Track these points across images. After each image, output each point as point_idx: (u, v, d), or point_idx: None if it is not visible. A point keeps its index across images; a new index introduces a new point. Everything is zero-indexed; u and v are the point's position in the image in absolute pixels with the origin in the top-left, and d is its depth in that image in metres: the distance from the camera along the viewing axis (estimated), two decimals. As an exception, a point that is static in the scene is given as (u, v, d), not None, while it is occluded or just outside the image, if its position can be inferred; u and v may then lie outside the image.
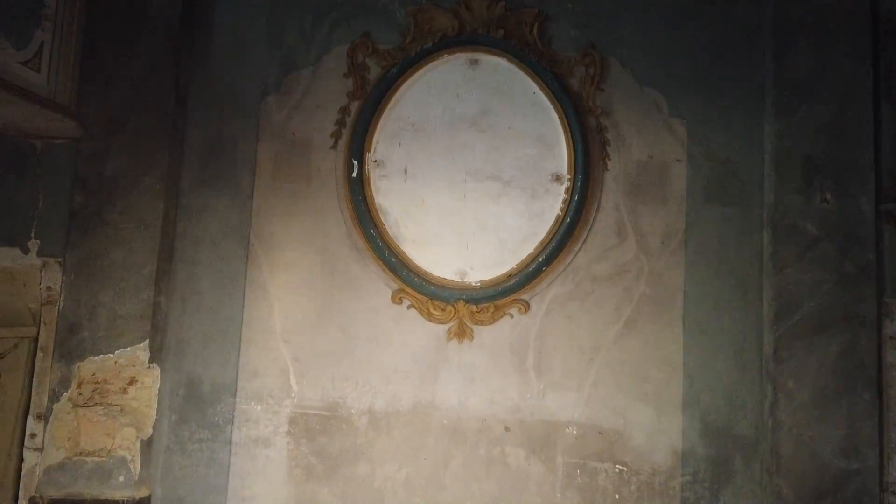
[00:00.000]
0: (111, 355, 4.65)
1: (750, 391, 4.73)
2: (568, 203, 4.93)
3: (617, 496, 4.73)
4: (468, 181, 5.05)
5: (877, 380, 4.39)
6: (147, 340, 4.67)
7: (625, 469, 4.75)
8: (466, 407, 4.88)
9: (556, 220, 4.94)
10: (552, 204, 4.99)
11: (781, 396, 4.47)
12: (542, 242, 4.96)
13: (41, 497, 4.44)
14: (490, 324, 4.95)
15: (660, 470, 4.74)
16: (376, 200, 5.05)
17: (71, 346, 4.63)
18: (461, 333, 4.94)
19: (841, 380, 4.41)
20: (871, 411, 4.35)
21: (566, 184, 4.96)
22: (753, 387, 4.73)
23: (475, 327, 4.95)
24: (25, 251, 4.74)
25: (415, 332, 4.97)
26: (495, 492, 4.79)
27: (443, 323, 4.96)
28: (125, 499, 4.51)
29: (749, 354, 4.77)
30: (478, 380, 4.91)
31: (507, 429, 4.85)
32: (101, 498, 4.50)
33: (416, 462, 4.84)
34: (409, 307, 4.98)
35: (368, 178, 5.04)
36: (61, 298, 4.67)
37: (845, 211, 4.56)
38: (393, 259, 4.96)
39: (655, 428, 4.77)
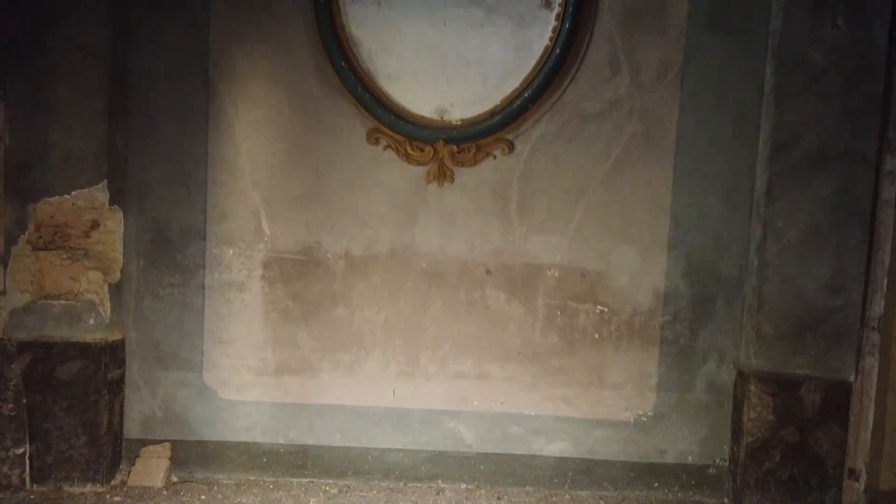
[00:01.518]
0: (68, 196, 4.36)
1: (738, 231, 4.60)
2: (558, 32, 4.50)
3: (596, 336, 4.72)
4: (448, 7, 4.57)
5: (869, 217, 4.25)
6: (105, 181, 4.38)
7: (605, 310, 4.71)
8: (446, 251, 4.73)
9: (545, 52, 4.54)
10: (540, 33, 4.56)
11: (770, 235, 4.34)
12: (528, 77, 4.58)
13: (9, 339, 4.32)
14: (472, 165, 4.68)
15: (641, 310, 4.70)
16: (347, 29, 4.58)
17: (23, 186, 4.33)
18: (441, 176, 4.68)
19: (833, 218, 4.27)
20: (861, 248, 4.25)
21: (556, 10, 4.51)
22: (742, 227, 4.59)
23: (456, 169, 4.68)
24: (-39, 84, 4.29)
25: (392, 174, 4.71)
26: (475, 333, 4.75)
27: (422, 164, 4.68)
28: (97, 341, 4.41)
29: (740, 194, 4.59)
30: (458, 223, 4.72)
31: (488, 272, 4.73)
32: (72, 340, 4.39)
33: (396, 305, 4.76)
34: (385, 148, 4.68)
35: (338, 3, 4.53)
36: (7, 134, 4.29)
37: (856, 38, 4.19)
38: (367, 95, 4.58)
39: (639, 269, 4.68)
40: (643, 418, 4.74)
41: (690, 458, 4.74)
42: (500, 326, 4.75)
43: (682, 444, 4.73)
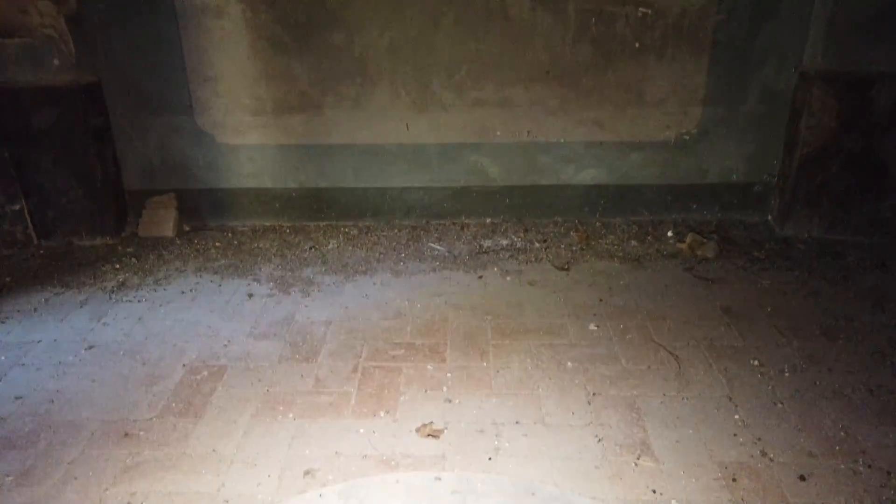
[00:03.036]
0: None
1: None
2: None
3: (637, 45, 4.06)
4: None
5: None
6: None
7: (649, 12, 3.98)
8: (456, -50, 3.90)
9: None
10: None
11: None
12: None
13: (-32, 87, 3.83)
14: None
15: (691, 9, 3.97)
16: None
17: None
18: None
19: None
20: None
21: None
22: None
23: None
24: None
25: None
26: (495, 51, 4.12)
27: None
28: (68, 84, 3.91)
29: None
30: (469, -88, 3.82)
31: (507, -26, 3.95)
32: (41, 85, 3.88)
33: (401, 24, 4.08)
34: None
35: None
36: None
37: None
38: None
39: (692, -42, 3.86)
40: (685, 136, 4.27)
41: (735, 176, 4.35)
42: (524, 41, 4.09)
43: (726, 161, 4.31)
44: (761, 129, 4.21)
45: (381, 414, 2.66)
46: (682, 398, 2.73)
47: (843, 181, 4.02)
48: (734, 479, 2.30)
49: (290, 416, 2.65)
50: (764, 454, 2.42)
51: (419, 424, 2.60)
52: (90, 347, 3.12)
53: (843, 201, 4.08)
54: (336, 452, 2.45)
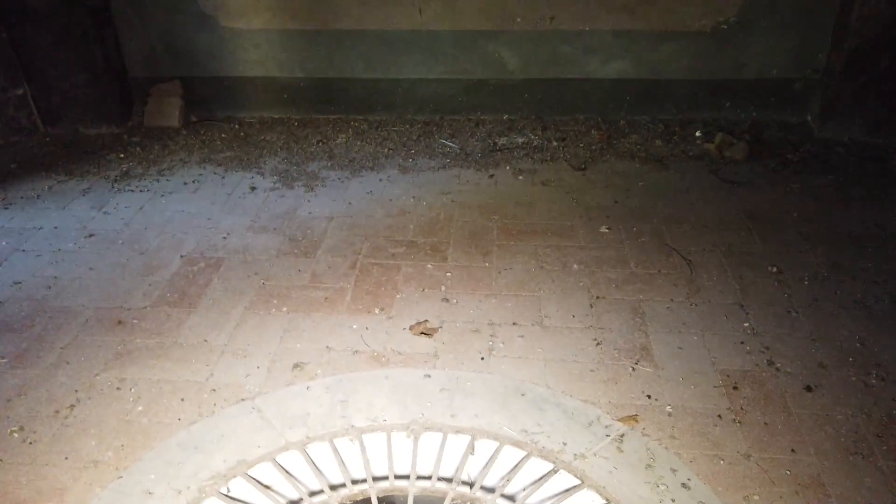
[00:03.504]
0: None
1: None
2: None
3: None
4: None
5: None
6: None
7: None
8: None
9: None
10: None
11: None
12: None
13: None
14: None
15: None
16: None
17: None
18: None
19: None
20: None
21: None
22: None
23: None
24: None
25: None
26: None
27: None
28: (60, -41, 3.68)
29: None
30: None
31: None
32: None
33: None
34: None
35: None
36: None
37: None
38: None
39: None
40: (723, 26, 3.89)
41: (774, 71, 4.00)
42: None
43: (767, 55, 3.95)
44: (808, 18, 3.81)
45: (376, 311, 2.60)
46: (691, 304, 2.60)
47: (894, 79, 3.66)
48: (735, 388, 2.21)
49: (284, 309, 2.61)
50: (771, 363, 2.31)
51: (413, 322, 2.53)
52: (90, 236, 3.09)
53: (892, 101, 3.73)
54: (327, 347, 2.41)
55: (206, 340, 2.44)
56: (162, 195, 3.45)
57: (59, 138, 4.10)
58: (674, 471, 1.94)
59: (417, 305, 2.63)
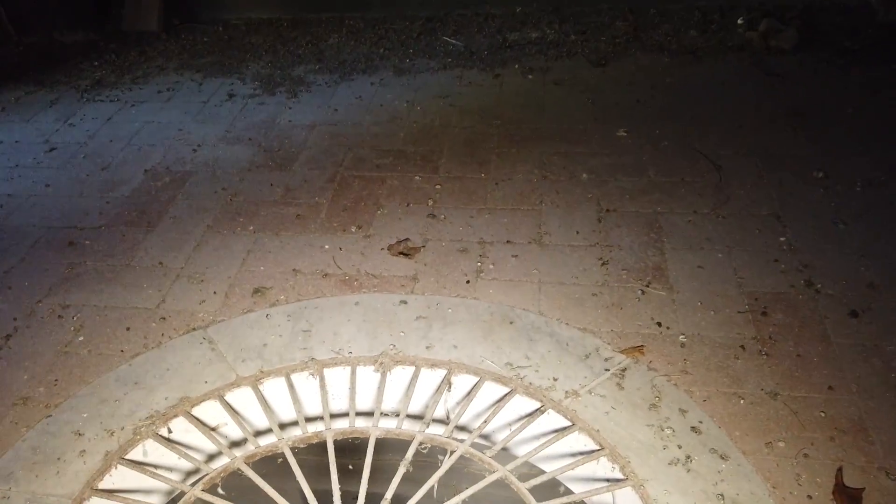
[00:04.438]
0: None
1: None
2: None
3: None
4: None
5: None
6: None
7: None
8: None
9: None
10: None
11: None
12: None
13: None
14: None
15: None
16: None
17: None
18: None
19: None
20: None
21: None
22: None
23: None
24: None
25: None
26: None
27: None
28: None
29: None
30: None
31: None
32: None
33: None
34: None
35: None
36: None
37: None
38: None
39: None
40: None
41: (835, -58, 3.39)
42: None
43: (826, -78, 3.34)
44: None
45: (353, 229, 2.29)
46: (717, 217, 2.22)
47: (985, -57, 3.04)
48: (764, 313, 1.86)
49: (251, 228, 2.33)
50: (809, 284, 1.94)
51: (393, 241, 2.23)
52: (51, 150, 2.83)
53: (979, -28, 3.11)
54: (293, 270, 2.13)
55: (161, 263, 2.19)
56: (132, 105, 3.14)
57: (32, 47, 3.79)
58: (683, 411, 1.63)
59: (400, 222, 2.31)
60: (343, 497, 1.54)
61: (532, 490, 1.53)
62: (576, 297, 1.96)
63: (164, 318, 1.97)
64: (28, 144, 2.88)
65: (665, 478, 1.51)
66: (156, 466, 1.68)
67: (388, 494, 1.52)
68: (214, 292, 2.06)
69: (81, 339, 1.93)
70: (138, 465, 1.62)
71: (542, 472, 1.66)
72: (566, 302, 1.95)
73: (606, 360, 1.78)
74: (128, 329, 1.95)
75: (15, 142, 2.90)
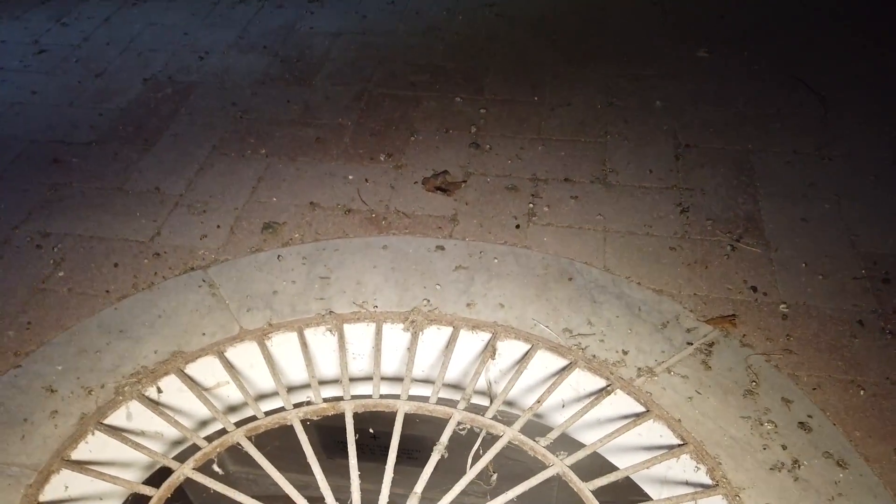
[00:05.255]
0: None
1: None
2: None
3: None
4: None
5: None
6: None
7: None
8: None
9: None
10: None
11: None
12: None
13: None
14: None
15: None
16: None
17: None
18: None
19: None
20: None
21: None
22: None
23: None
24: None
25: None
26: None
27: None
28: None
29: None
30: None
31: None
32: None
33: None
34: None
35: None
36: None
37: None
38: None
39: None
40: None
41: None
42: None
43: None
44: None
45: (381, 158, 1.94)
46: (823, 158, 1.83)
47: None
48: (886, 280, 1.51)
49: (263, 151, 1.99)
50: (940, 249, 1.58)
51: (429, 174, 1.88)
52: (40, 52, 2.48)
53: None
54: (311, 203, 1.80)
55: (157, 189, 1.87)
56: (133, 3, 2.76)
57: (27, -63, 3.38)
58: (787, 402, 1.31)
59: (437, 152, 1.95)
60: (364, 479, 1.26)
61: (597, 493, 1.24)
62: (649, 251, 1.62)
63: (158, 255, 1.67)
64: (15, 45, 2.53)
65: (766, 487, 1.20)
66: (141, 434, 1.41)
67: (418, 488, 1.24)
68: (218, 226, 1.75)
69: (62, 274, 1.64)
70: (120, 432, 1.35)
71: (607, 464, 1.37)
72: (637, 256, 1.60)
73: (688, 331, 1.45)
74: (116, 265, 1.65)
75: (1, 42, 2.55)
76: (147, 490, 1.25)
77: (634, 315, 1.48)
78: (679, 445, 1.27)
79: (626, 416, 1.37)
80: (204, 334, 1.49)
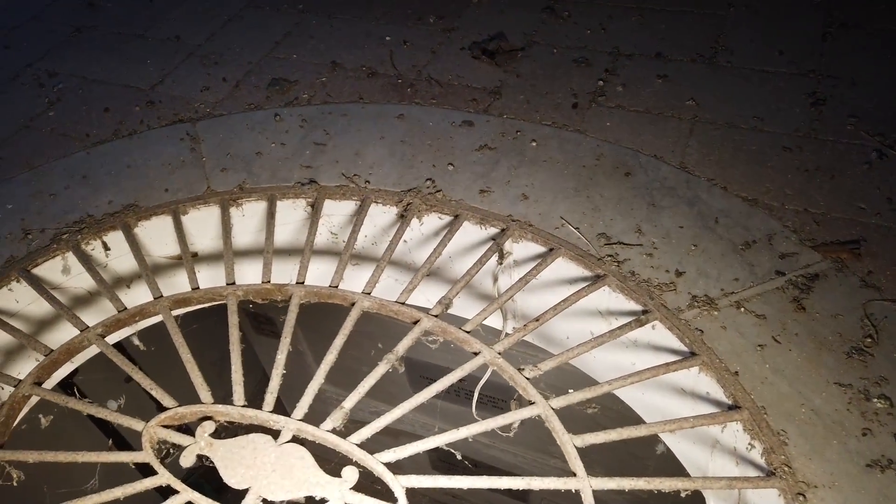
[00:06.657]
0: None
1: None
2: None
3: None
4: None
5: None
6: None
7: None
8: None
9: None
10: None
11: None
12: None
13: None
14: None
15: None
16: None
17: None
18: None
19: None
20: None
21: None
22: None
23: None
24: None
25: None
26: None
27: None
28: None
29: None
30: None
31: None
32: None
33: None
34: None
35: None
36: None
37: None
38: None
39: None
40: None
41: None
42: None
43: None
44: None
45: (431, 19, 1.59)
46: None
47: None
48: None
49: (300, 6, 1.70)
50: None
51: (481, 39, 1.49)
52: None
53: None
54: (333, 63, 1.50)
55: (178, 37, 1.66)
56: None
57: None
58: (921, 378, 0.83)
59: (500, 16, 1.56)
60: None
61: (585, 451, 0.85)
62: (752, 150, 1.15)
63: (151, 103, 1.46)
64: None
65: (852, 492, 0.76)
66: (67, 292, 1.22)
67: (347, 403, 0.93)
68: (224, 79, 1.50)
69: (52, 114, 1.47)
70: (45, 287, 1.17)
71: (632, 414, 0.97)
72: (732, 155, 1.14)
73: (783, 256, 0.99)
74: (106, 110, 1.46)
75: None
76: (42, 349, 1.04)
77: (706, 228, 1.04)
78: (730, 409, 0.85)
79: (662, 357, 0.96)
80: (167, 190, 1.25)
